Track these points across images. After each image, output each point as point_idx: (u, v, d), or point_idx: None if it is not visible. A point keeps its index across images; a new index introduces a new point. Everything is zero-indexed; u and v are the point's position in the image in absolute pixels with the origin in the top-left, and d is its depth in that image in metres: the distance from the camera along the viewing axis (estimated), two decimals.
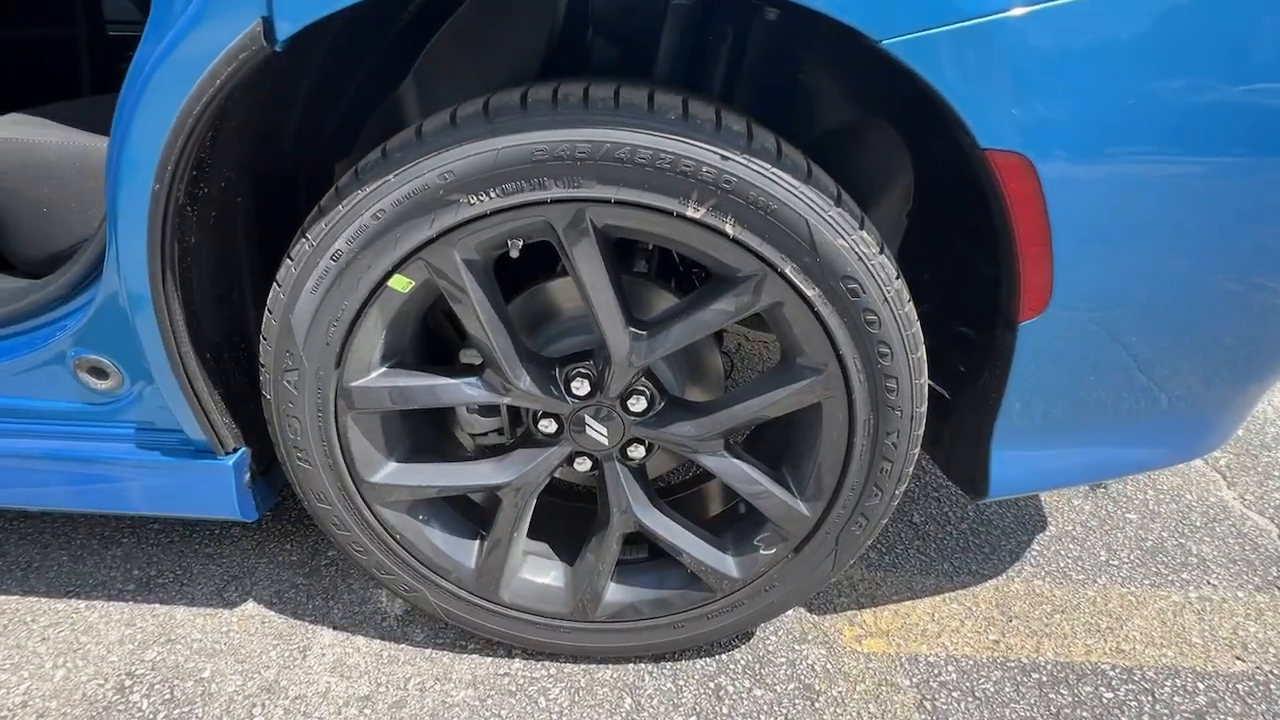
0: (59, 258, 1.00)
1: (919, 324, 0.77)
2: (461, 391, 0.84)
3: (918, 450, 0.84)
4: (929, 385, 0.85)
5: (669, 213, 0.69)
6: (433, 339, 1.01)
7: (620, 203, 0.69)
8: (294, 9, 0.58)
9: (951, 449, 0.97)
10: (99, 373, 0.89)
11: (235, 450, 0.93)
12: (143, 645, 1.06)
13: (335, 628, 1.09)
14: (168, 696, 0.98)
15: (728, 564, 0.93)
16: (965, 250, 0.94)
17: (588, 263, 0.74)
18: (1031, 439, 0.87)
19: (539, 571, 0.99)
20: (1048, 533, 1.29)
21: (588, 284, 0.75)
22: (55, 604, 1.13)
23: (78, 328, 0.85)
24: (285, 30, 0.58)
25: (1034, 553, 1.25)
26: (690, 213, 0.68)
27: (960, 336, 0.97)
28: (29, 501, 1.03)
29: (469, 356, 0.95)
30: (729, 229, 0.69)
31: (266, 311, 0.77)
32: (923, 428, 0.83)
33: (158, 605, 1.13)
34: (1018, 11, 0.59)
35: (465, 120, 0.66)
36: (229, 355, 0.89)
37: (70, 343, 0.87)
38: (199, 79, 0.60)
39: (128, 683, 1.00)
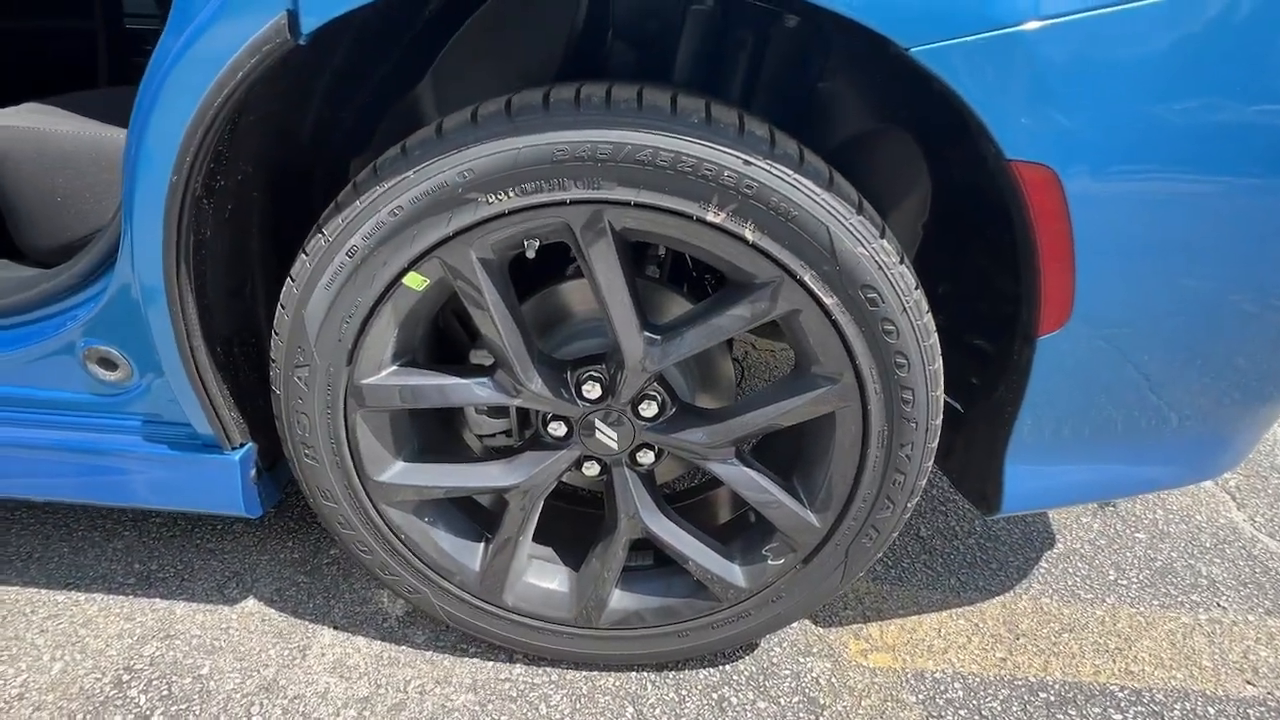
0: (71, 248, 0.99)
1: (937, 335, 0.76)
2: (472, 392, 0.83)
3: (931, 463, 0.83)
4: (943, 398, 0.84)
5: (688, 216, 0.68)
6: (443, 339, 1.00)
7: (640, 205, 0.68)
8: (320, 3, 0.57)
9: (963, 463, 0.96)
10: (108, 364, 0.88)
11: (242, 445, 0.92)
12: (141, 640, 1.05)
13: (336, 627, 1.08)
14: (165, 693, 0.97)
15: (735, 573, 0.92)
16: (982, 263, 0.93)
17: (604, 265, 0.73)
18: (1045, 455, 0.86)
19: (544, 576, 0.98)
20: (1056, 550, 1.28)
21: (603, 286, 0.74)
22: (55, 596, 1.12)
23: (88, 318, 0.85)
24: (310, 24, 0.58)
25: (1042, 570, 1.24)
26: (710, 217, 0.68)
27: (975, 349, 0.96)
28: (33, 492, 1.03)
29: (479, 357, 0.95)
30: (748, 234, 0.69)
31: (279, 306, 0.77)
32: (937, 440, 0.82)
33: (158, 600, 1.12)
34: (1048, 22, 0.59)
35: (487, 119, 0.66)
36: (239, 349, 0.89)
37: (80, 333, 0.87)
38: (221, 71, 0.60)
39: (125, 677, 0.99)
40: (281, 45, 0.59)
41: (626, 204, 0.68)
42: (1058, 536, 1.31)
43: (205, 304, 0.79)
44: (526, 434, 0.96)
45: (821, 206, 0.67)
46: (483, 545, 0.96)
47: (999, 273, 0.87)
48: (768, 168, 0.66)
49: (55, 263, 1.02)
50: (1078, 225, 0.67)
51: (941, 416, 0.81)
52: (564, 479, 0.93)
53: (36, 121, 0.98)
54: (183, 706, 0.95)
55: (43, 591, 1.13)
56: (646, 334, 0.78)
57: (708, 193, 0.67)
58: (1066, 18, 0.58)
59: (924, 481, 0.84)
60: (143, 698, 0.97)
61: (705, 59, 0.99)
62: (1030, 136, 0.62)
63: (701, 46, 0.98)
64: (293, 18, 0.58)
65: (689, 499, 1.14)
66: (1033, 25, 0.59)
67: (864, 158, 0.99)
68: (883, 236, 0.70)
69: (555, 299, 0.93)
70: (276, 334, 0.78)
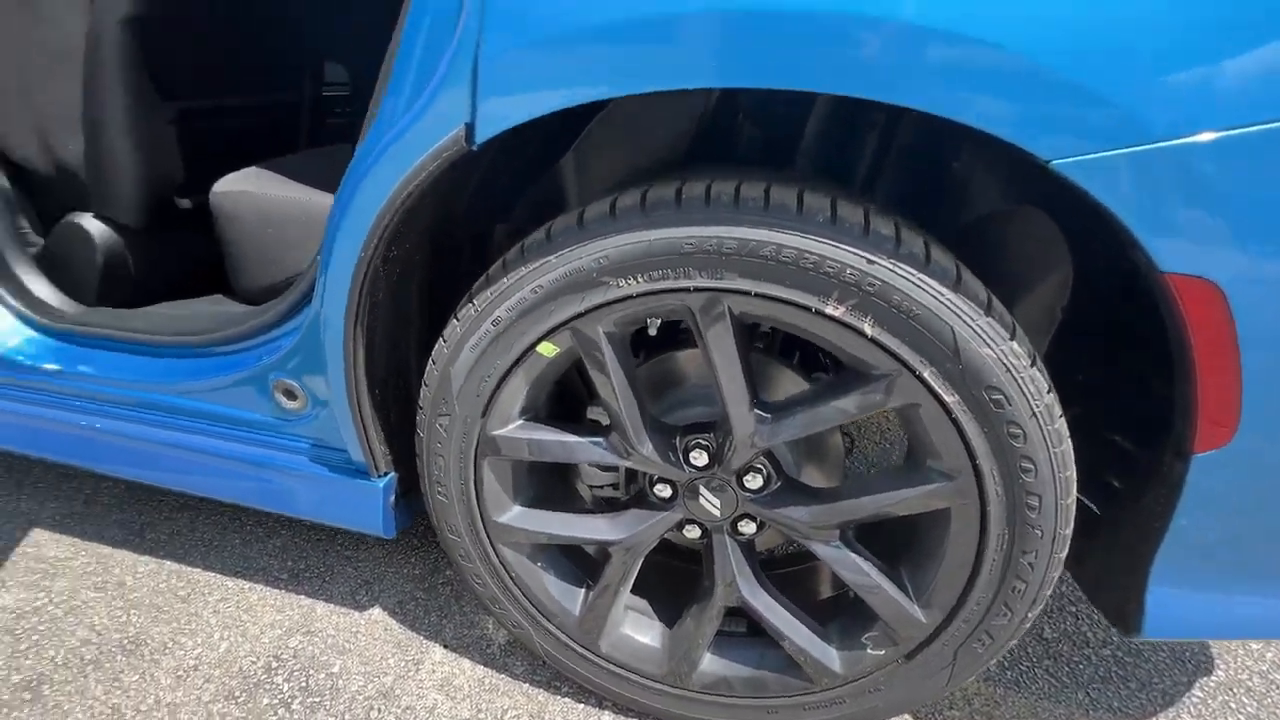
0: (273, 289, 1.19)
1: (1070, 442, 0.72)
2: (589, 450, 0.89)
3: (1058, 573, 0.77)
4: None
5: (807, 309, 0.70)
6: (563, 392, 1.08)
7: (759, 295, 0.71)
8: (492, 118, 0.67)
9: (1099, 573, 0.88)
10: (290, 394, 1.04)
11: (386, 474, 1.04)
12: (289, 632, 1.20)
13: (446, 646, 1.17)
14: (304, 684, 1.10)
15: (831, 657, 0.90)
16: (1128, 358, 0.86)
17: (720, 346, 0.76)
18: (1200, 579, 0.77)
19: (638, 629, 1.01)
20: (1214, 679, 1.12)
21: (717, 365, 0.78)
22: (226, 581, 1.31)
23: (281, 355, 1.01)
24: (483, 135, 0.67)
25: (1194, 700, 1.09)
26: (829, 311, 0.69)
27: (1117, 448, 0.88)
28: (215, 492, 1.21)
29: (595, 414, 1.01)
30: (867, 329, 0.69)
31: (431, 361, 0.87)
32: (1066, 550, 0.76)
33: (303, 597, 1.27)
34: (1219, 135, 0.55)
35: (623, 212, 0.72)
36: (391, 393, 1.01)
37: (273, 366, 1.03)
38: (408, 170, 0.71)
39: (274, 665, 1.14)
40: (458, 151, 0.69)
41: (747, 294, 0.71)
42: (1218, 662, 1.15)
43: (371, 353, 0.92)
44: (633, 489, 1.01)
45: (946, 306, 0.67)
46: (584, 591, 1.01)
47: (1148, 370, 0.80)
48: (891, 267, 0.67)
49: (258, 302, 1.22)
50: (1245, 341, 0.61)
51: (1073, 525, 0.75)
52: (665, 536, 0.96)
53: (257, 186, 1.19)
54: (316, 700, 1.08)
55: (217, 576, 1.32)
56: (757, 412, 0.80)
57: (828, 288, 0.68)
58: (1240, 130, 0.55)
59: (1049, 592, 0.78)
60: (286, 686, 1.10)
61: (834, 137, 1.01)
62: (1190, 251, 0.58)
63: (831, 126, 1.00)
64: (469, 129, 0.68)
65: (790, 566, 1.13)
66: (1203, 138, 0.55)
67: (999, 235, 0.95)
68: (1013, 338, 0.68)
69: (669, 365, 0.97)
70: (426, 385, 0.89)
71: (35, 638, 1.18)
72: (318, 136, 1.73)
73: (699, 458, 0.87)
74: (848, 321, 0.70)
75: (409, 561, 1.36)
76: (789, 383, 0.92)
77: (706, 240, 0.69)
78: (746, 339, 0.79)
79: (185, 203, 1.41)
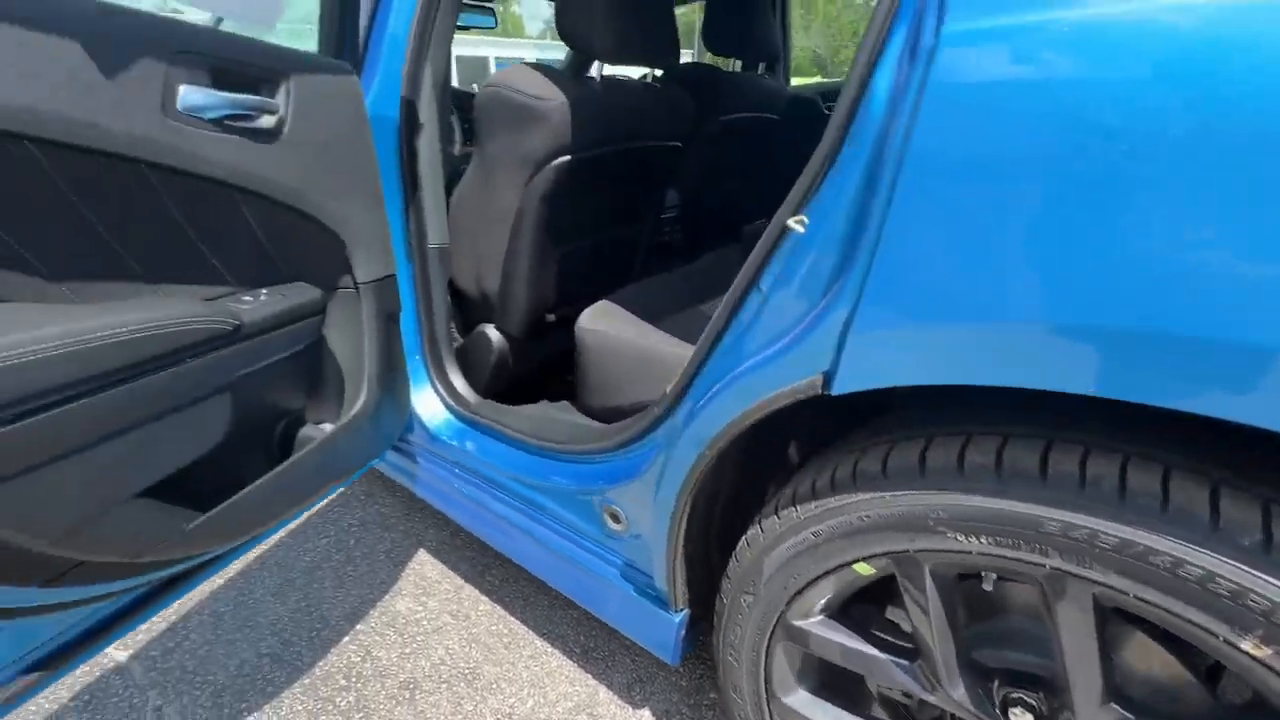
0: (614, 411, 1.42)
1: None
2: (891, 671, 0.86)
3: None
4: None
5: (1212, 634, 0.59)
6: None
7: (1141, 599, 0.62)
8: (855, 377, 0.71)
9: None
10: (615, 518, 1.22)
11: (681, 610, 1.15)
12: (577, 708, 1.39)
13: None
14: None
15: None
16: None
17: (1073, 628, 0.68)
18: None
19: None
20: None
21: (1066, 646, 0.69)
22: (535, 640, 1.57)
23: (616, 486, 1.19)
24: (841, 389, 0.72)
25: None
26: (1246, 647, 0.57)
27: None
28: (539, 571, 1.46)
29: (897, 616, 0.98)
30: None
31: (745, 542, 0.95)
32: None
33: (590, 677, 1.46)
34: None
35: (973, 470, 0.70)
36: (696, 554, 1.12)
37: (607, 492, 1.23)
38: (758, 400, 0.80)
39: None
40: (812, 394, 0.75)
41: (1124, 594, 0.63)
42: None
43: (692, 514, 1.03)
44: (928, 711, 0.94)
45: None
46: None
47: None
48: None
49: (597, 417, 1.47)
50: None
51: None
52: None
53: (611, 326, 1.44)
54: None
55: (530, 633, 1.59)
56: (1116, 707, 0.69)
57: (1249, 623, 0.56)
58: None
59: None
60: None
61: None
62: None
63: None
64: (828, 379, 0.73)
65: None
66: None
67: None
68: None
69: (994, 591, 0.89)
70: (737, 560, 0.96)
71: (414, 645, 1.57)
72: (651, 251, 2.02)
73: (1020, 716, 0.78)
74: (1274, 666, 0.56)
75: (678, 672, 1.46)
76: (1159, 665, 0.77)
77: (1075, 528, 0.63)
78: (1106, 621, 0.69)
79: (551, 317, 1.77)
